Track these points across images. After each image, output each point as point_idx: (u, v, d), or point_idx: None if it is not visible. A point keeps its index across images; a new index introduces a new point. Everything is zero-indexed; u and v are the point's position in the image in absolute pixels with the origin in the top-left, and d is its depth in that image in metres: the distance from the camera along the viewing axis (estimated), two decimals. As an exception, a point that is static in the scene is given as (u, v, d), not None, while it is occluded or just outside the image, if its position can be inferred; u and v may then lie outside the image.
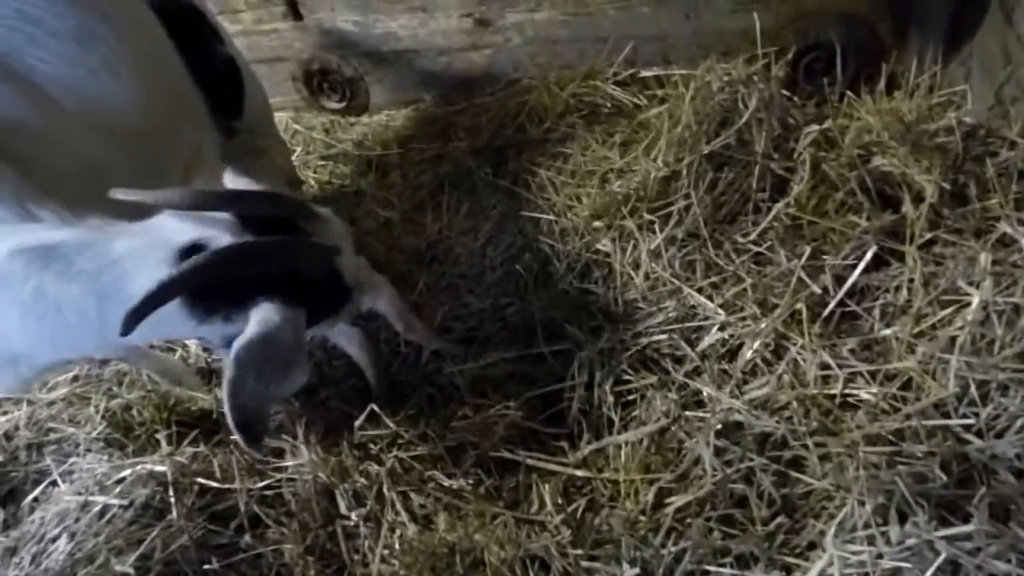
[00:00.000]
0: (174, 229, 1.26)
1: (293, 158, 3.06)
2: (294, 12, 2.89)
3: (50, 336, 1.32)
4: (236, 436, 1.25)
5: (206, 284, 1.20)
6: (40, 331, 1.30)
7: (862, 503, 1.23)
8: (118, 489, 1.75)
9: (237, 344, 1.22)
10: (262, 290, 1.24)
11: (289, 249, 1.27)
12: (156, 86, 1.84)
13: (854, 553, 1.19)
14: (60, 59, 1.65)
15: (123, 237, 1.24)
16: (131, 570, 1.52)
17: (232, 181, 1.49)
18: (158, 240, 1.25)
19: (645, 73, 2.50)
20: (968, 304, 1.46)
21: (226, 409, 1.22)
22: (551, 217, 2.29)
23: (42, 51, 1.63)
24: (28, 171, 1.43)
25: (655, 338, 1.83)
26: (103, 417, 2.16)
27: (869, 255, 1.62)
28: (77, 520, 1.72)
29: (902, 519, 1.19)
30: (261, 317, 1.23)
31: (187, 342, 2.54)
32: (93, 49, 1.71)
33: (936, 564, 1.10)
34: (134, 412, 2.17)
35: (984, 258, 1.49)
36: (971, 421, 1.32)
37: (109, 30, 1.75)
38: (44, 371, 1.66)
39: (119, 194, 1.20)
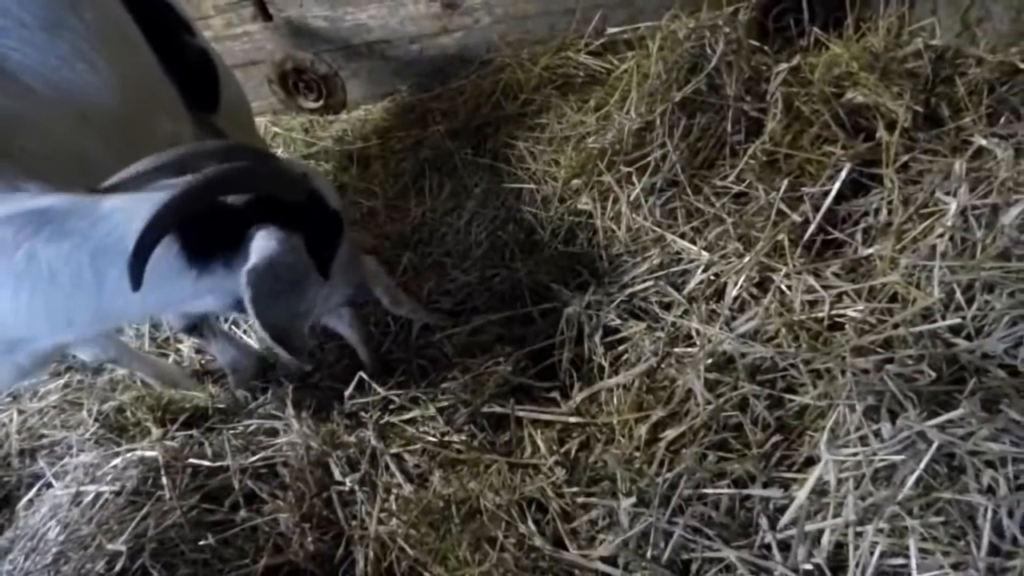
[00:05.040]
0: (159, 185, 1.28)
1: (274, 159, 3.07)
2: (263, 12, 2.91)
3: (45, 308, 1.30)
4: (278, 351, 1.31)
5: (193, 219, 1.22)
6: (34, 304, 1.28)
7: (852, 407, 1.21)
8: (110, 477, 1.73)
9: (245, 272, 1.24)
10: (252, 224, 1.27)
11: (257, 171, 1.28)
12: (128, 74, 1.85)
13: (849, 456, 1.16)
14: (31, 48, 1.66)
15: (110, 197, 1.26)
16: (123, 548, 1.49)
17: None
18: (146, 194, 1.25)
19: (612, 30, 2.50)
20: (946, 213, 1.45)
21: (259, 330, 1.27)
22: (532, 186, 2.29)
23: (11, 40, 1.64)
24: (7, 154, 1.43)
25: (641, 286, 1.82)
26: (96, 419, 2.14)
27: (844, 175, 1.61)
28: (69, 511, 1.69)
29: (893, 418, 1.17)
30: (259, 245, 1.26)
31: (180, 346, 2.54)
32: (63, 38, 1.72)
33: (929, 454, 1.08)
34: (128, 413, 2.15)
35: (959, 166, 1.48)
36: (958, 321, 1.30)
37: (78, 20, 1.76)
38: (42, 361, 1.63)
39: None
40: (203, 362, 2.45)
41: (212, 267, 1.29)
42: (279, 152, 3.15)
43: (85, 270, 1.24)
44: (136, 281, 1.18)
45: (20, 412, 2.27)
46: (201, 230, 1.26)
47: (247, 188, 1.28)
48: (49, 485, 1.93)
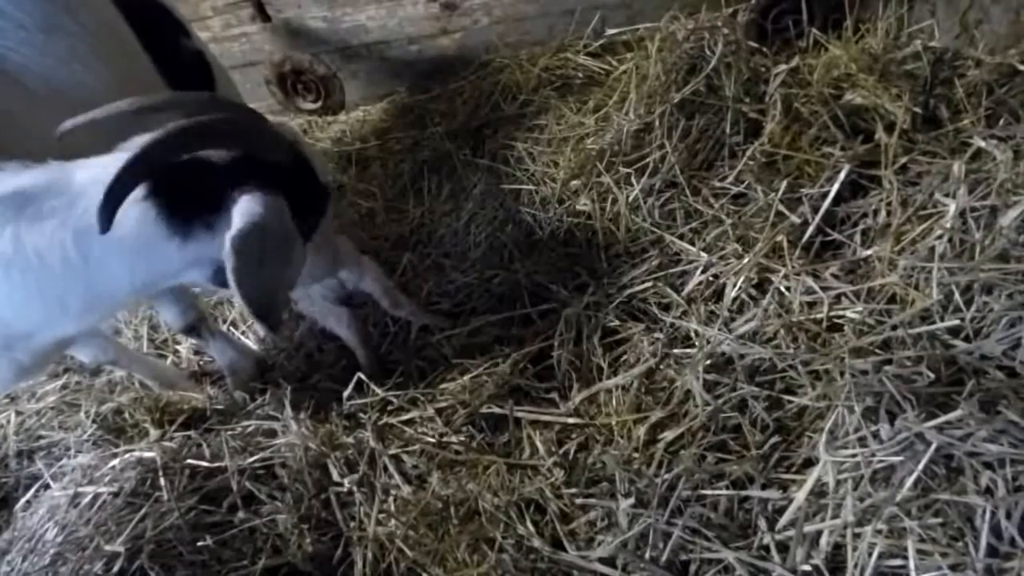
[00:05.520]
0: (131, 148, 1.22)
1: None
2: (262, 13, 2.91)
3: (37, 291, 1.28)
4: (257, 324, 1.24)
5: (170, 182, 1.18)
6: (26, 286, 1.27)
7: (851, 409, 1.21)
8: (107, 478, 1.72)
9: (229, 237, 1.20)
10: (235, 185, 1.22)
11: (238, 124, 1.23)
12: (123, 75, 1.86)
13: (848, 457, 1.16)
14: (29, 49, 1.67)
15: (81, 169, 1.23)
16: (121, 549, 1.49)
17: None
18: (117, 161, 1.20)
19: (611, 31, 2.50)
20: (945, 214, 1.45)
21: (239, 300, 1.20)
22: (530, 187, 2.29)
23: (9, 41, 1.65)
24: (3, 153, 1.44)
25: (640, 287, 1.82)
26: (94, 421, 2.14)
27: (843, 176, 1.61)
28: (67, 512, 1.69)
29: (892, 419, 1.17)
30: (243, 209, 1.21)
31: (178, 347, 2.54)
32: (60, 40, 1.73)
33: (928, 455, 1.08)
34: (126, 415, 2.15)
35: (958, 167, 1.48)
36: (956, 323, 1.30)
37: (74, 21, 1.77)
38: (40, 358, 1.63)
39: (67, 124, 1.19)
40: (201, 363, 2.45)
41: (194, 232, 1.25)
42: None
43: (70, 249, 1.23)
44: (105, 223, 1.14)
45: (18, 413, 2.27)
46: (179, 193, 1.22)
47: (226, 142, 1.22)
48: (47, 486, 1.92)
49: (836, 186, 1.61)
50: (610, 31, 2.53)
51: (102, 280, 1.24)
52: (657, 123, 1.96)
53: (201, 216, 1.24)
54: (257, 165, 1.25)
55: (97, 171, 1.22)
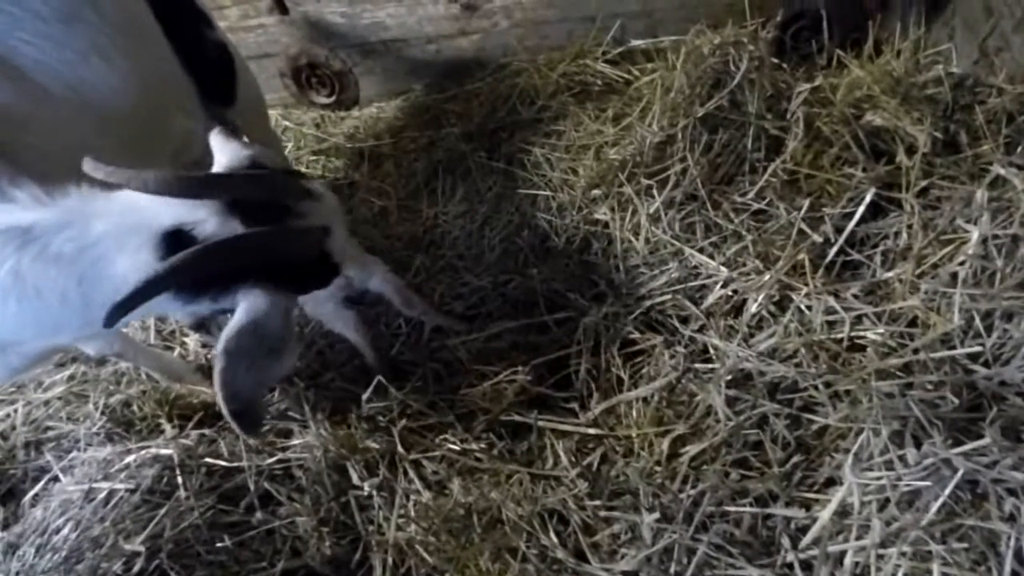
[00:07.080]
0: (155, 210, 1.21)
1: (285, 154, 3.06)
2: (280, 6, 2.90)
3: (32, 319, 1.27)
4: (232, 424, 1.22)
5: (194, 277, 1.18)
6: (21, 313, 1.25)
7: (877, 432, 1.23)
8: (123, 475, 1.72)
9: (225, 334, 1.19)
10: (249, 274, 1.21)
11: (279, 240, 1.23)
12: (145, 70, 1.82)
13: (873, 479, 1.19)
14: (46, 41, 1.62)
15: (101, 218, 1.20)
16: (141, 548, 1.49)
17: (218, 146, 1.44)
18: (138, 222, 1.20)
19: (635, 42, 2.51)
20: (967, 240, 1.48)
21: (219, 399, 1.19)
22: (547, 193, 2.30)
23: (26, 33, 1.59)
24: (15, 156, 1.40)
25: (659, 299, 1.83)
26: (103, 413, 2.12)
27: (868, 198, 1.64)
28: (81, 508, 1.68)
29: (917, 444, 1.20)
30: (249, 305, 1.20)
31: (185, 340, 2.53)
32: (80, 32, 1.68)
33: (954, 481, 1.11)
34: (134, 407, 2.14)
35: (981, 194, 1.51)
36: (977, 349, 1.33)
37: (95, 13, 1.73)
38: (34, 360, 1.61)
39: (89, 168, 1.17)
40: (209, 357, 2.44)
41: (199, 301, 1.26)
42: (289, 147, 3.14)
43: (72, 293, 1.21)
44: (111, 323, 1.14)
45: (25, 404, 2.25)
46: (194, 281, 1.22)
47: (259, 256, 1.21)
48: (56, 479, 1.91)
49: (861, 209, 1.63)
50: (635, 42, 2.54)
51: (101, 316, 1.22)
52: (680, 136, 1.98)
53: (209, 294, 1.23)
54: (278, 264, 1.24)
55: (114, 224, 1.19)
